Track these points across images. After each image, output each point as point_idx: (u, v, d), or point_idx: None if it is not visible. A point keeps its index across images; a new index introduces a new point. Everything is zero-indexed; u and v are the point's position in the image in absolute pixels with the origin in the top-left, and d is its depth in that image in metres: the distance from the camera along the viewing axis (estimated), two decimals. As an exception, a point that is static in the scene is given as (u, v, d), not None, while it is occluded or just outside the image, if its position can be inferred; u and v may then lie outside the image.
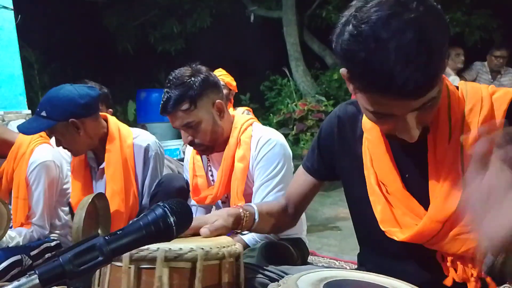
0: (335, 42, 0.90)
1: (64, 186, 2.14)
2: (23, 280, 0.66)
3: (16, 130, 2.04)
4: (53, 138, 2.09)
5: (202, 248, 0.94)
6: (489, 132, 0.73)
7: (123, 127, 2.11)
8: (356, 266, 1.35)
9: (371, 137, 1.10)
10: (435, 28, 0.84)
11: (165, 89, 1.68)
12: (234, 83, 3.56)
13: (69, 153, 2.09)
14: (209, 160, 1.90)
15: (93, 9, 8.86)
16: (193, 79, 1.67)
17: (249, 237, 1.68)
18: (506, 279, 0.93)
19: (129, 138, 2.06)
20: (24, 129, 1.90)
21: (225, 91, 2.99)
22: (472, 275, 1.02)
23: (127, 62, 9.31)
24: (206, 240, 1.04)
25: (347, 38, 0.86)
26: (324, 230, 3.78)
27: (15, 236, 1.98)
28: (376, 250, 1.19)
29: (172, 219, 0.77)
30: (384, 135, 1.08)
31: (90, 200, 1.70)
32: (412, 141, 0.94)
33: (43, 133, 2.11)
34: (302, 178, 1.33)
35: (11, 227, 1.97)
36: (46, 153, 2.04)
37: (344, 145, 1.20)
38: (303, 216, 1.86)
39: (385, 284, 0.90)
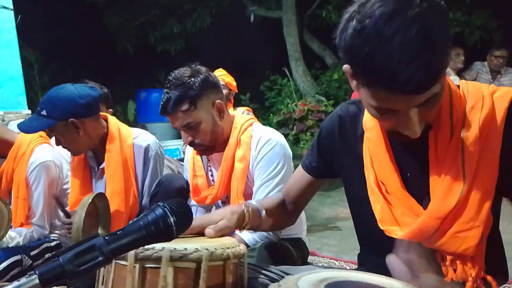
0: (339, 37, 0.90)
1: (64, 186, 2.14)
2: (23, 280, 0.66)
3: (16, 130, 2.04)
4: (53, 138, 2.09)
5: (207, 249, 0.94)
6: None
7: (123, 127, 2.11)
8: (356, 266, 1.35)
9: (372, 137, 1.10)
10: (439, 24, 0.84)
11: (165, 90, 1.68)
12: (234, 83, 3.56)
13: (69, 153, 2.09)
14: (209, 160, 1.90)
15: (93, 9, 8.86)
16: (193, 79, 1.67)
17: (249, 237, 1.68)
18: None
19: (129, 138, 2.06)
20: (25, 128, 1.91)
21: (225, 91, 3.00)
22: (471, 274, 1.02)
23: (127, 62, 9.31)
24: (210, 241, 1.05)
25: (350, 33, 0.86)
26: (324, 230, 3.78)
27: (15, 236, 1.98)
28: (376, 250, 1.19)
29: (172, 219, 0.77)
30: (385, 134, 1.08)
31: (90, 200, 1.70)
32: (415, 137, 0.94)
33: (43, 133, 2.11)
34: (300, 176, 1.34)
35: (11, 227, 1.97)
36: (46, 153, 2.04)
37: (345, 144, 1.20)
38: (303, 216, 1.86)
39: (386, 284, 0.90)
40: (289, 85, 8.10)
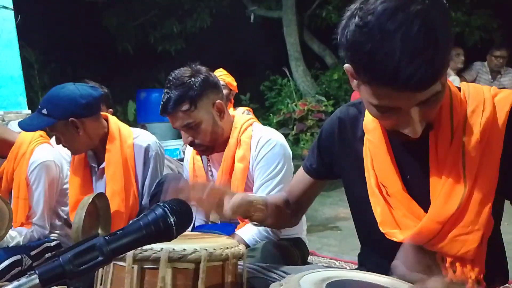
0: (340, 35, 0.90)
1: (64, 186, 2.14)
2: (23, 280, 0.66)
3: (16, 130, 2.04)
4: (53, 138, 2.09)
5: (206, 249, 0.94)
6: None
7: (124, 127, 2.11)
8: (356, 266, 1.35)
9: (372, 138, 1.10)
10: (441, 21, 0.84)
11: (165, 90, 1.68)
12: (235, 83, 3.56)
13: (69, 153, 2.09)
14: (209, 160, 1.90)
15: (93, 9, 8.85)
16: (193, 79, 1.67)
17: (249, 237, 1.68)
18: None
19: (130, 138, 2.06)
20: (25, 126, 1.91)
21: (225, 91, 3.00)
22: (470, 276, 1.01)
23: (127, 62, 9.30)
24: (210, 241, 1.05)
25: (352, 30, 0.86)
26: (324, 230, 3.78)
27: (15, 235, 1.98)
28: (376, 250, 1.19)
29: (172, 219, 0.77)
30: (386, 136, 1.07)
31: (90, 200, 1.70)
32: (416, 136, 0.94)
33: (43, 133, 2.12)
34: (302, 177, 1.34)
35: (11, 227, 1.97)
36: (46, 153, 2.04)
37: (345, 146, 1.20)
38: (303, 216, 1.86)
39: (387, 284, 0.90)
40: (289, 85, 8.10)
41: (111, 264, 0.97)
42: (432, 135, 1.01)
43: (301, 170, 1.35)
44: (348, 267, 2.57)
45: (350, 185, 1.24)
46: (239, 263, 1.09)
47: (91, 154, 2.10)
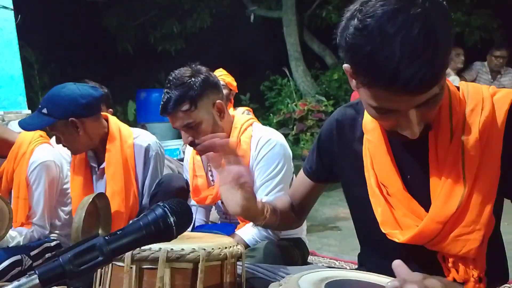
0: (340, 36, 0.90)
1: (64, 186, 2.14)
2: (23, 280, 0.66)
3: (17, 130, 2.04)
4: (53, 138, 2.09)
5: (204, 249, 0.94)
6: None
7: (124, 127, 2.11)
8: (356, 266, 1.35)
9: (372, 138, 1.10)
10: (441, 23, 0.84)
11: (165, 90, 1.68)
12: (235, 83, 3.56)
13: (69, 153, 2.09)
14: (209, 160, 1.90)
15: (93, 9, 8.85)
16: (193, 79, 1.67)
17: (249, 237, 1.68)
18: None
19: (130, 138, 2.07)
20: (25, 125, 1.92)
21: (225, 91, 3.00)
22: (473, 275, 1.01)
23: (127, 62, 9.30)
24: (208, 241, 1.04)
25: (352, 32, 0.85)
26: (324, 230, 3.77)
27: (15, 235, 1.98)
28: (376, 250, 1.19)
29: (172, 219, 0.77)
30: (386, 136, 1.07)
31: (90, 200, 1.70)
32: (414, 137, 0.94)
33: (43, 133, 2.12)
34: (302, 180, 1.35)
35: (11, 227, 1.97)
36: (46, 153, 2.04)
37: (344, 146, 1.20)
38: (304, 216, 1.86)
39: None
40: (289, 85, 8.10)
41: (110, 264, 0.97)
42: (432, 134, 1.01)
43: (301, 173, 1.36)
44: (348, 267, 2.57)
45: (350, 185, 1.24)
46: (238, 263, 1.09)
47: (91, 154, 2.10)
